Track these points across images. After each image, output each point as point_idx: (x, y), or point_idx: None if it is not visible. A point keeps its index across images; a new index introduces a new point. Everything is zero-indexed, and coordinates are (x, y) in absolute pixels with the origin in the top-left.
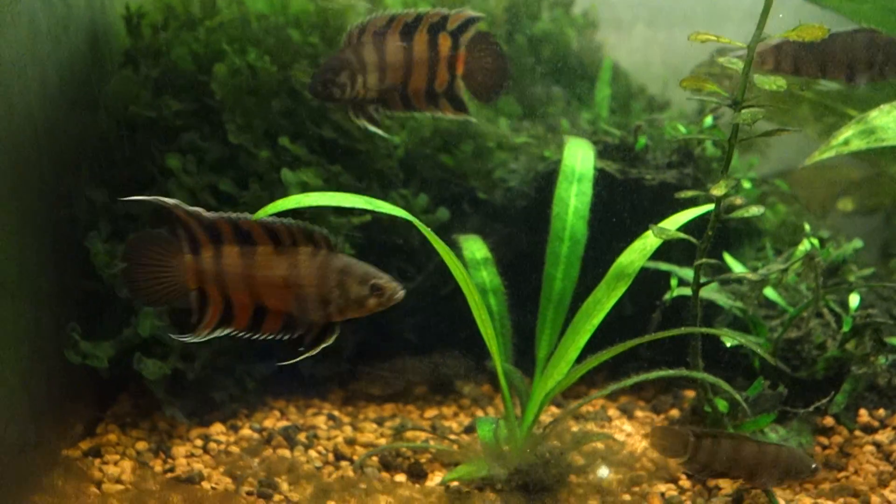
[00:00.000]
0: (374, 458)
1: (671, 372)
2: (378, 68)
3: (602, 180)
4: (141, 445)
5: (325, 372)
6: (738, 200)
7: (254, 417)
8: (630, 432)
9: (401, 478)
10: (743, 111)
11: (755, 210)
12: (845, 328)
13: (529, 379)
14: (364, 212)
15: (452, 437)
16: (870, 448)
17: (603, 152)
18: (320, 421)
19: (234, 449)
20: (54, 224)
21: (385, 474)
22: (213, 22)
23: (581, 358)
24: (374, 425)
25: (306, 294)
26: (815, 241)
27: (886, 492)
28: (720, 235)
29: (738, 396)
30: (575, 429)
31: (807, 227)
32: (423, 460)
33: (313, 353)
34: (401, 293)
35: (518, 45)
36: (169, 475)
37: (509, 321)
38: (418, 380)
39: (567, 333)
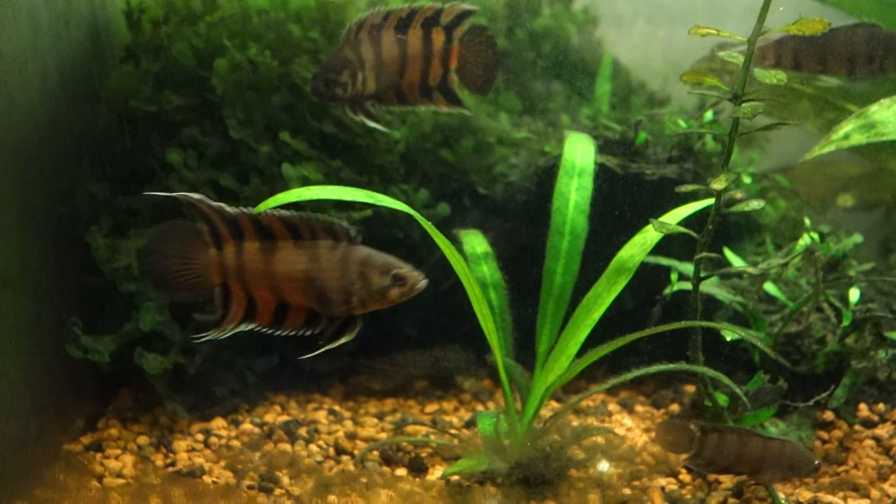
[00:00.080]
0: (375, 453)
1: (671, 366)
2: (376, 65)
3: (602, 175)
4: (142, 440)
5: (326, 367)
6: (739, 194)
7: (255, 412)
8: (630, 427)
9: (401, 472)
10: (743, 105)
11: (755, 204)
12: (845, 323)
13: (530, 373)
14: (365, 206)
15: (453, 431)
16: (869, 442)
17: (603, 147)
18: (321, 415)
19: (235, 443)
20: (55, 219)
21: (386, 468)
22: (213, 17)
23: (581, 352)
24: (375, 420)
25: (328, 287)
26: (816, 236)
27: (886, 486)
28: (720, 230)
29: (738, 390)
30: (575, 423)
31: (807, 222)
32: (423, 454)
33: (333, 346)
34: (423, 282)
35: (518, 40)
36: (170, 469)
37: (510, 315)
38: (419, 374)
39: (567, 328)
